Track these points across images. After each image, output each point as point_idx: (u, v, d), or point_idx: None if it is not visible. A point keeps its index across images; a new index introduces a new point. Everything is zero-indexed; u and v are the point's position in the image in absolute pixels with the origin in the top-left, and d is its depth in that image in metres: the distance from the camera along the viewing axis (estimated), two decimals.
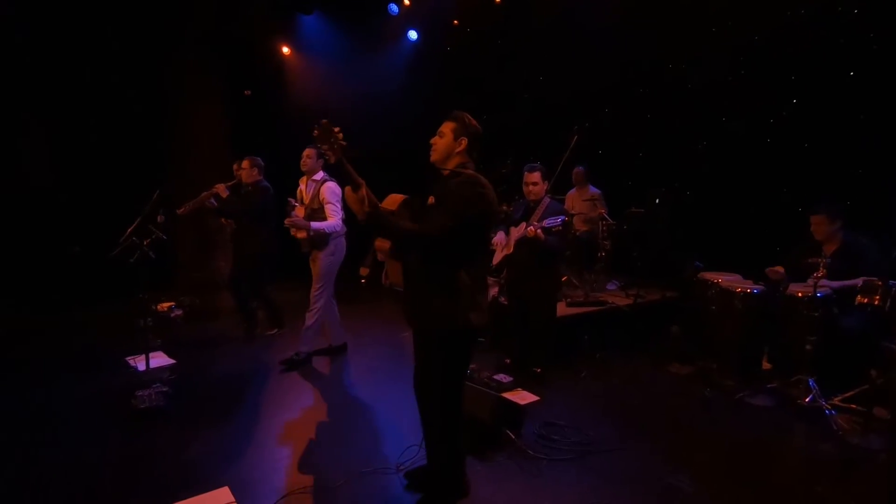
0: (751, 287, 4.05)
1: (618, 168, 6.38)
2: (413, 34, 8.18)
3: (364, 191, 2.15)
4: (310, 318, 4.28)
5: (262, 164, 4.85)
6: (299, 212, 4.28)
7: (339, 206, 4.18)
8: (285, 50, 7.65)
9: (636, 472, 2.81)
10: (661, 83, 5.95)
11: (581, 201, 5.89)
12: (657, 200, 5.39)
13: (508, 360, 4.24)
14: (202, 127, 7.14)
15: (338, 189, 4.21)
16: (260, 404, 3.64)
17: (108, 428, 3.20)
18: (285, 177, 5.44)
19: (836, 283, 3.62)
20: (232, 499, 2.49)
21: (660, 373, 4.31)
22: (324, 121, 2.11)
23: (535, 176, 3.89)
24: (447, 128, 2.35)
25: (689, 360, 4.39)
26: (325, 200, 4.17)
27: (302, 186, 4.41)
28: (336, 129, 2.11)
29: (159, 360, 4.38)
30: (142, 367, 3.97)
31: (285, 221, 4.14)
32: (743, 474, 2.83)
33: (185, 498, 2.48)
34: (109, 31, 6.24)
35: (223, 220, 5.75)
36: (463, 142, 2.33)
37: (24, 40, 5.87)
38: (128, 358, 4.30)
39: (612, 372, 4.29)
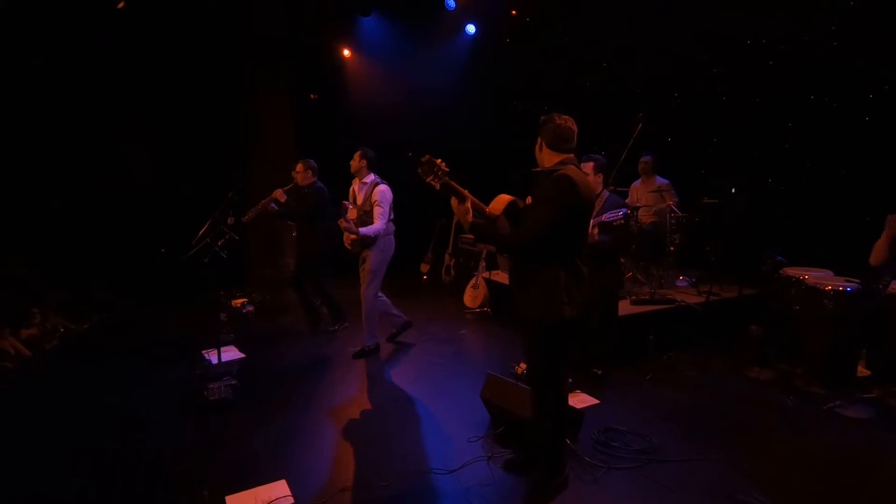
0: (843, 284, 3.63)
1: (689, 156, 5.95)
2: (471, 28, 8.10)
3: (469, 203, 2.41)
4: (365, 313, 4.47)
5: (316, 165, 4.99)
6: (352, 213, 4.40)
7: (387, 208, 4.30)
8: (346, 52, 7.84)
9: (704, 486, 2.60)
10: (739, 61, 5.46)
11: (647, 193, 5.55)
12: (733, 189, 4.97)
13: None
14: (272, 131, 7.52)
15: (389, 193, 4.34)
16: (320, 400, 3.76)
17: (182, 417, 3.43)
18: (348, 177, 5.61)
19: None
20: (288, 492, 2.58)
21: (736, 377, 3.99)
22: (425, 157, 2.37)
23: (585, 167, 3.70)
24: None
25: (769, 363, 4.02)
26: (376, 203, 4.28)
27: (354, 187, 4.53)
28: (438, 161, 2.37)
29: (231, 353, 4.64)
30: (215, 360, 4.25)
31: (339, 222, 4.26)
32: (831, 495, 2.54)
33: (245, 489, 2.60)
34: (191, 46, 6.71)
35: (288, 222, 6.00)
36: (539, 141, 2.45)
37: (120, 59, 6.46)
38: (204, 351, 4.60)
39: (680, 375, 4.02)
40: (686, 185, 5.58)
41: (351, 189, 4.58)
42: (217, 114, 7.10)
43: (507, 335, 5.00)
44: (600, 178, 3.68)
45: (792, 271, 4.04)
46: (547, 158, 2.44)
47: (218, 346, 4.25)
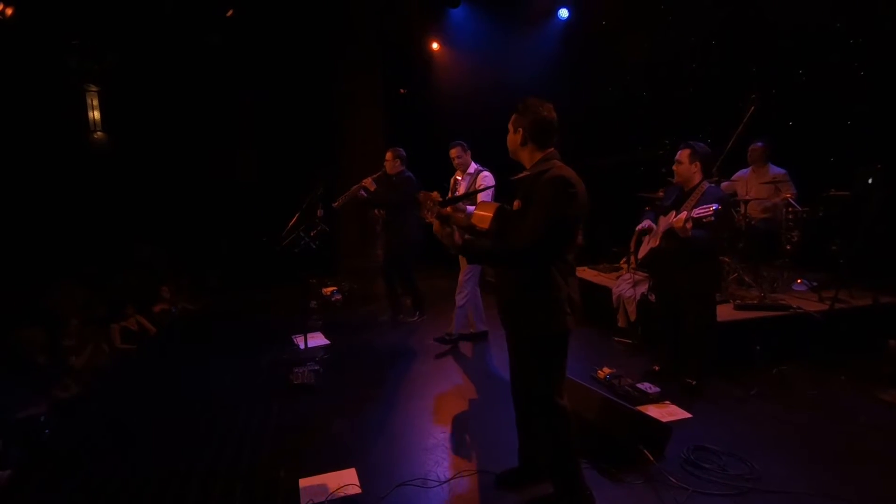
0: None
1: (813, 142, 5.19)
2: (563, 12, 7.72)
3: (452, 226, 2.24)
4: (460, 300, 4.50)
5: (404, 154, 5.04)
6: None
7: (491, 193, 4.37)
8: (435, 45, 7.87)
9: None
10: (883, 29, 4.63)
11: (758, 184, 4.92)
12: (870, 180, 4.23)
13: (657, 368, 3.76)
14: (362, 127, 7.78)
15: (492, 178, 4.37)
16: (395, 391, 3.80)
17: (268, 399, 3.63)
18: (436, 168, 5.64)
19: None
20: (356, 481, 2.62)
21: (866, 399, 3.39)
22: (420, 195, 2.39)
23: (681, 154, 3.37)
24: (510, 122, 2.27)
25: None
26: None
27: (458, 178, 4.60)
28: (433, 195, 2.36)
29: (317, 339, 4.87)
30: (302, 345, 4.48)
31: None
32: None
33: (315, 473, 2.68)
34: (286, 47, 7.15)
35: (375, 211, 6.15)
36: (520, 132, 2.20)
37: (228, 62, 7.08)
38: (294, 336, 4.86)
39: (793, 392, 3.51)
40: (807, 175, 4.87)
41: (453, 179, 4.65)
42: (311, 111, 7.51)
43: (584, 335, 4.70)
44: (697, 167, 3.32)
45: None
46: (530, 154, 2.21)
47: (305, 331, 4.48)
